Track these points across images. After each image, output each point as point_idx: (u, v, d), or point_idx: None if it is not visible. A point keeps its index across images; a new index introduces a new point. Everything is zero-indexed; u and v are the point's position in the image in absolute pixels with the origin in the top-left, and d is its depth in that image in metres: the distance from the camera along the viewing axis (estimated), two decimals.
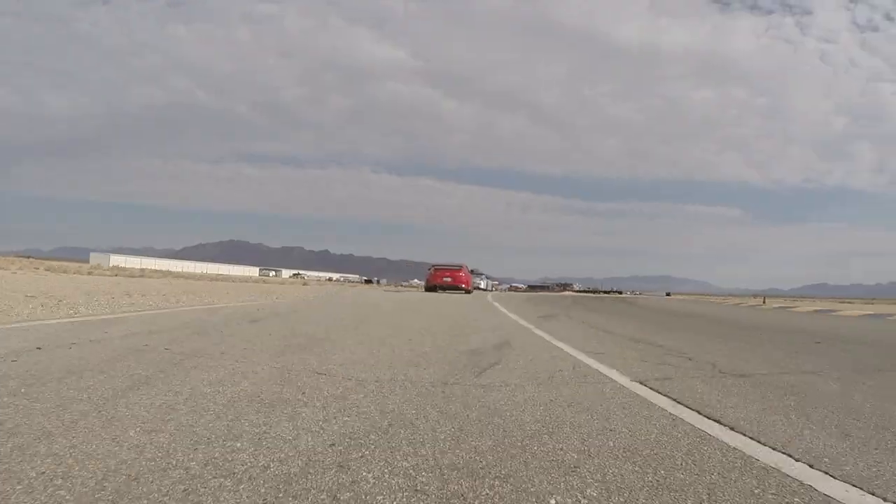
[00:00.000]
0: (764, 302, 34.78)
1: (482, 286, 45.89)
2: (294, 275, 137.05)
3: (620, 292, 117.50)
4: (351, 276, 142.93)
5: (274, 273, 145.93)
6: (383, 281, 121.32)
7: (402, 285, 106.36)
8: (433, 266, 31.21)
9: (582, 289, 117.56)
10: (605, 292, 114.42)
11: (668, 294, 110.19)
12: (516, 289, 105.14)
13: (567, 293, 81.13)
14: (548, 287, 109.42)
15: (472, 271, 34.77)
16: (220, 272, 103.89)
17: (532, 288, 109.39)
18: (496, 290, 51.76)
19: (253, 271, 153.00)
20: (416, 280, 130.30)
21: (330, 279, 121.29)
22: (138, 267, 71.49)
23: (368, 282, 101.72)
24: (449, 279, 29.94)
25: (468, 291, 30.41)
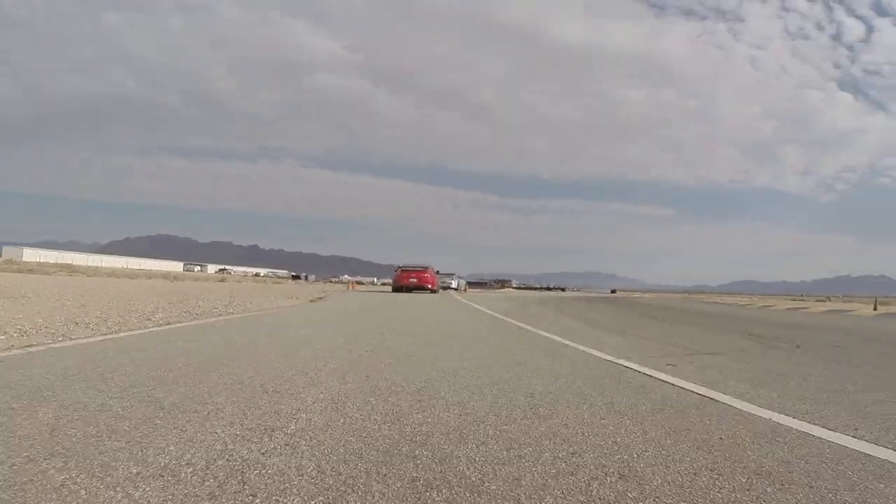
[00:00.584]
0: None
1: (453, 286, 46.31)
2: (219, 270, 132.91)
3: (563, 289, 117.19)
4: (280, 272, 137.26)
5: (199, 268, 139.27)
6: (311, 277, 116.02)
7: (331, 281, 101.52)
8: (400, 267, 32.03)
9: (520, 285, 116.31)
10: (547, 289, 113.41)
11: (613, 291, 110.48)
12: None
13: (509, 290, 79.00)
14: (486, 284, 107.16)
15: (438, 272, 35.86)
16: (142, 267, 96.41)
17: (469, 284, 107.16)
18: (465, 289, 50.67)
19: (178, 266, 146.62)
20: (345, 276, 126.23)
21: (257, 275, 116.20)
22: (54, 262, 64.03)
23: (296, 277, 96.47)
24: (415, 280, 30.74)
25: (434, 291, 31.17)
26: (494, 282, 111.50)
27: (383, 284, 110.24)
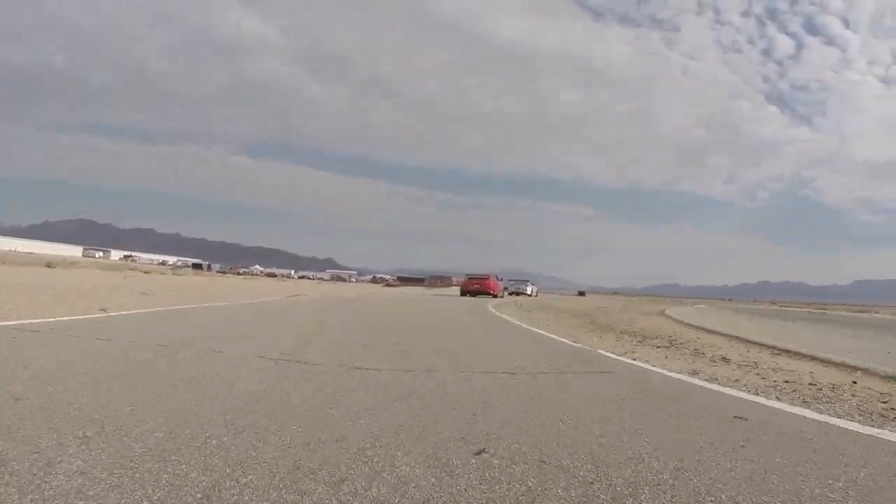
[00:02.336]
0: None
1: (528, 292, 48.56)
2: (125, 257, 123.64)
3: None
4: (193, 262, 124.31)
5: (101, 254, 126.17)
6: (216, 266, 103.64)
7: (239, 272, 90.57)
8: (467, 275, 38.93)
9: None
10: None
11: (581, 294, 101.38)
12: (384, 280, 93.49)
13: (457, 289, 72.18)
14: (423, 280, 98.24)
15: (501, 279, 41.70)
16: (31, 251, 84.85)
17: (403, 279, 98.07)
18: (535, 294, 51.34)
19: (76, 251, 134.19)
20: (256, 266, 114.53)
21: (163, 263, 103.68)
22: None
23: (197, 267, 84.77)
24: (478, 286, 36.27)
25: (495, 296, 35.43)
26: (432, 277, 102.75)
27: (301, 278, 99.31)
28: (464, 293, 36.00)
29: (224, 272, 79.74)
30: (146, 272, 33.18)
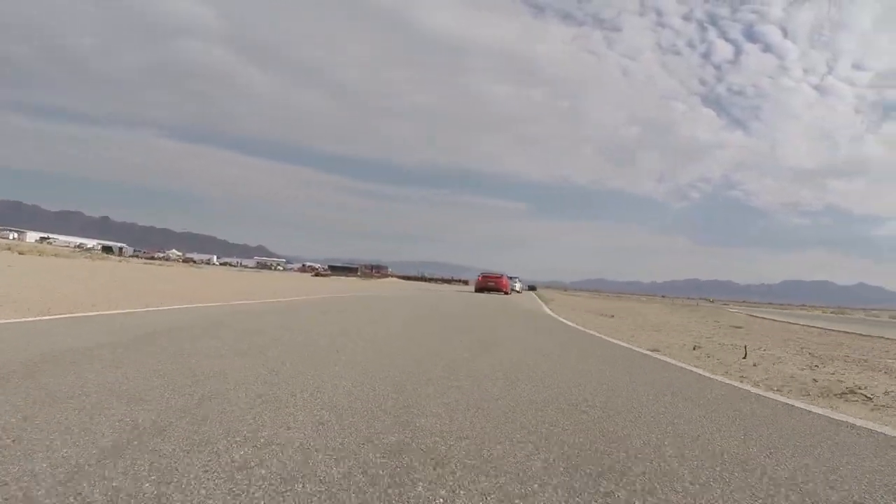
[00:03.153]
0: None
1: (516, 288, 50.15)
2: (40, 239, 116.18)
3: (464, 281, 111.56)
4: (115, 245, 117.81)
5: (15, 236, 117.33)
6: (128, 250, 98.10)
7: (154, 256, 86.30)
8: (481, 273, 40.45)
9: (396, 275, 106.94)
10: (429, 279, 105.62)
11: (531, 288, 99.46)
12: (313, 269, 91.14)
13: (394, 280, 70.84)
14: (356, 269, 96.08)
15: (511, 277, 45.04)
16: None
17: (334, 269, 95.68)
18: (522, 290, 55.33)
19: None
20: (173, 250, 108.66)
21: (80, 246, 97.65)
22: None
23: (107, 250, 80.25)
24: (492, 283, 38.63)
25: (507, 293, 38.20)
26: (367, 267, 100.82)
27: (223, 264, 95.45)
28: (479, 290, 38.67)
29: (137, 256, 75.57)
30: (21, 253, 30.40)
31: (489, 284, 38.32)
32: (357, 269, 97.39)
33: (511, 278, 49.67)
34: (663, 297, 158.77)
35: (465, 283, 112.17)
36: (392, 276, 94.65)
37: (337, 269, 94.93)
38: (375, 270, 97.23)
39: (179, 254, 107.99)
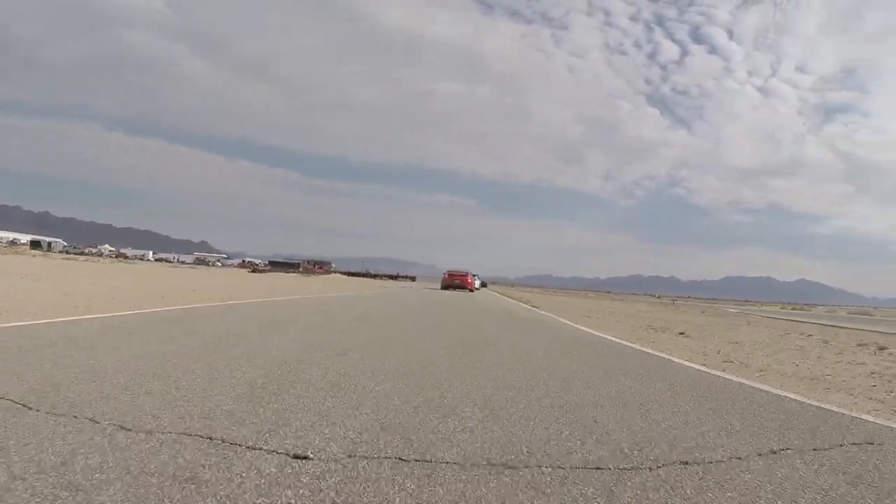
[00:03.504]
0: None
1: (476, 285, 51.22)
2: None
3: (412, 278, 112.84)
4: (45, 240, 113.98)
5: None
6: (57, 245, 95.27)
7: (84, 252, 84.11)
8: (447, 272, 41.98)
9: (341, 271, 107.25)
10: (374, 275, 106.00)
11: (483, 285, 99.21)
12: (252, 265, 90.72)
13: (336, 276, 71.02)
14: (297, 265, 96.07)
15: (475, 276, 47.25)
16: None
17: (275, 265, 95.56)
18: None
19: None
20: (106, 245, 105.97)
21: (14, 241, 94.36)
22: None
23: (35, 245, 78.40)
24: (458, 281, 40.36)
25: (471, 290, 40.06)
26: (309, 263, 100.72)
27: (159, 260, 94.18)
28: (445, 287, 40.16)
29: (68, 251, 74.12)
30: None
31: (455, 282, 40.41)
32: (299, 264, 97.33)
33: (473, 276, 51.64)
34: (609, 292, 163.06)
35: (413, 279, 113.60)
36: (335, 273, 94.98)
37: (277, 265, 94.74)
38: (318, 266, 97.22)
39: (113, 249, 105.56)
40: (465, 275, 41.73)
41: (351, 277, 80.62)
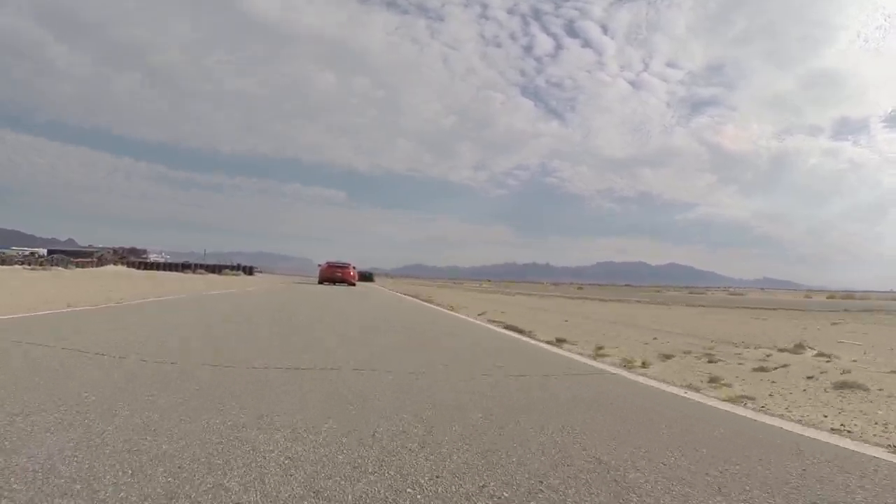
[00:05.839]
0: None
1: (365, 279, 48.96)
2: None
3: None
4: None
5: None
6: None
7: None
8: (327, 262, 36.87)
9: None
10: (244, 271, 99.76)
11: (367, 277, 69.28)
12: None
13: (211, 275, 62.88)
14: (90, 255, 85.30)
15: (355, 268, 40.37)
16: None
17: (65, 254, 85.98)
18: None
19: None
20: None
21: None
22: None
23: None
24: (339, 274, 35.54)
25: (352, 284, 35.54)
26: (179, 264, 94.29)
27: (25, 259, 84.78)
28: (322, 281, 35.03)
29: None
30: None
31: (336, 275, 35.14)
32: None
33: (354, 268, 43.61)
34: (490, 281, 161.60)
35: (249, 272, 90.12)
36: (201, 272, 75.97)
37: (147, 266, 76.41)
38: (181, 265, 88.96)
39: None
40: (347, 266, 36.54)
41: (141, 271, 58.30)
